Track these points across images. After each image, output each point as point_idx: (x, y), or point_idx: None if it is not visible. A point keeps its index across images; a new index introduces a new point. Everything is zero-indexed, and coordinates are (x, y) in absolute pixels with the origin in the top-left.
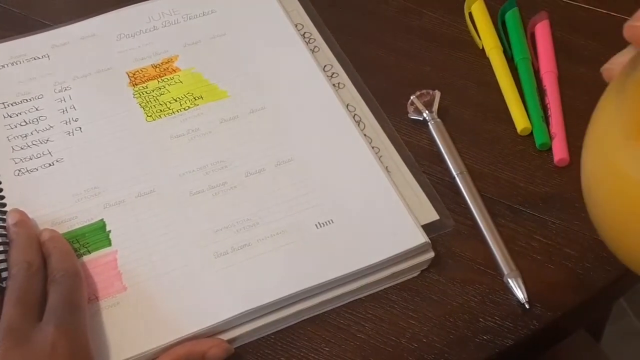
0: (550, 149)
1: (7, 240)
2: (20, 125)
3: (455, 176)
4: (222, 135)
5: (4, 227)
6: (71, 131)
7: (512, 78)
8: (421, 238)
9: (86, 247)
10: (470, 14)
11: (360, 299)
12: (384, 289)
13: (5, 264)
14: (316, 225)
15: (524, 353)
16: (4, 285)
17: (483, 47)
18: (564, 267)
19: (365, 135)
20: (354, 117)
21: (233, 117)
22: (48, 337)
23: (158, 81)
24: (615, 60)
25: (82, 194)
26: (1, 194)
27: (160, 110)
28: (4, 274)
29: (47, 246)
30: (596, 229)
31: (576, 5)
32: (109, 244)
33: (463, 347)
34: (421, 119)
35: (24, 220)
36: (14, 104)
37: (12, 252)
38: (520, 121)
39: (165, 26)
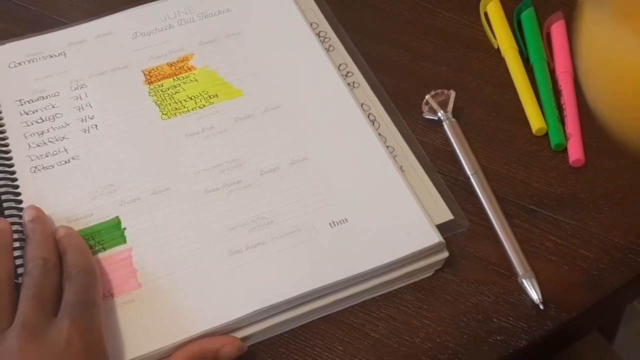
0: (565, 150)
1: (23, 237)
2: (37, 122)
3: (470, 176)
4: (237, 134)
5: (20, 224)
6: (87, 129)
7: (527, 78)
8: (435, 238)
9: (101, 245)
10: (486, 14)
11: (374, 298)
12: (398, 288)
13: (21, 260)
14: (330, 224)
15: (537, 354)
16: (19, 281)
17: (498, 47)
18: (579, 268)
19: (379, 134)
20: (368, 116)
21: (248, 116)
22: (63, 332)
23: (173, 79)
24: None
25: (98, 191)
26: (17, 190)
27: (176, 109)
28: (20, 270)
29: (62, 243)
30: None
31: None
32: (124, 242)
33: (477, 347)
34: (436, 118)
35: (40, 216)
36: (30, 102)
37: (28, 249)
38: (536, 121)
39: (180, 24)
